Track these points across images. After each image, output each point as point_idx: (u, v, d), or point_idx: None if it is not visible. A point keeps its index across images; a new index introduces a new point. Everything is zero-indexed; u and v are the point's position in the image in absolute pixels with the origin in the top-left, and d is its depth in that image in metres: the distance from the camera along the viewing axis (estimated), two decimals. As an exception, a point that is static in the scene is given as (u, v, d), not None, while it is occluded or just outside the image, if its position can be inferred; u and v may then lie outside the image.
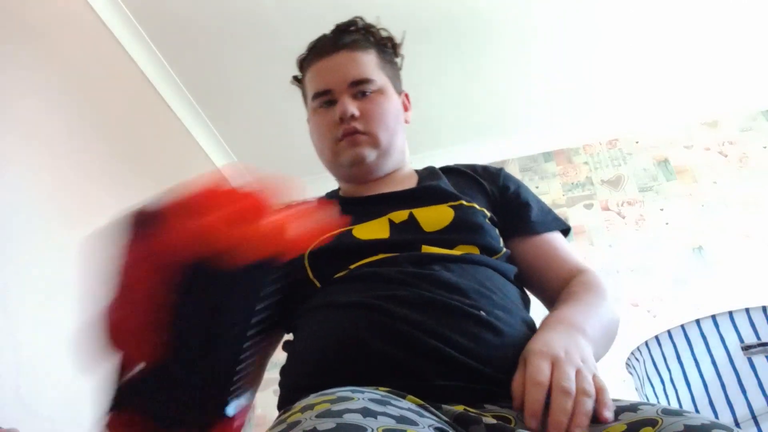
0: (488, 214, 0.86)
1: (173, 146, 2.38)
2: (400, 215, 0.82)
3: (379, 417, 0.45)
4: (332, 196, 0.99)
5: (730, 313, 1.44)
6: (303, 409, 0.47)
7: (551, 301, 0.83)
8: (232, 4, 2.05)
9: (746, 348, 1.38)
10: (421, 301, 0.66)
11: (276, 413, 0.64)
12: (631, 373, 1.76)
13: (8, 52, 1.61)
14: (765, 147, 2.48)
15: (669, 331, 1.52)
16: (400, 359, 0.62)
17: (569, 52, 2.30)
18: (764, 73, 2.44)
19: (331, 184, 0.99)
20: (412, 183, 0.93)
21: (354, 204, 0.90)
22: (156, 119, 2.29)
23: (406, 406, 0.51)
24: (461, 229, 0.79)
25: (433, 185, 0.89)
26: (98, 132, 1.92)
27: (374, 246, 0.76)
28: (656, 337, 1.56)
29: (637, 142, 2.68)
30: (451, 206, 0.83)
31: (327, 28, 0.96)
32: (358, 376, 0.60)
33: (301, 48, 0.97)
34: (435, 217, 0.81)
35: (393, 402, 0.51)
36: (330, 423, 0.42)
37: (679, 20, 2.21)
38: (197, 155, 2.54)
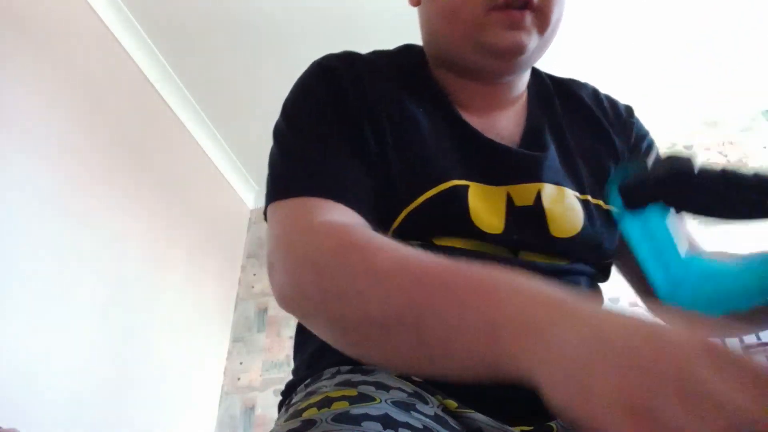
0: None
1: (174, 147, 2.38)
2: (523, 194, 0.59)
3: (400, 430, 0.41)
4: (420, 71, 0.68)
5: (730, 313, 1.44)
6: (320, 405, 0.44)
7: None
8: (233, 6, 2.05)
9: (746, 348, 1.38)
10: None
11: (276, 411, 0.59)
12: (631, 373, 1.76)
13: (10, 53, 1.61)
14: (765, 147, 2.47)
15: (669, 331, 1.52)
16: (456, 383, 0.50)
17: (569, 51, 2.30)
18: (764, 73, 2.43)
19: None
20: (522, 109, 0.69)
21: (464, 134, 0.63)
22: (157, 120, 2.29)
23: (431, 412, 0.46)
24: (584, 247, 0.59)
25: (555, 165, 0.64)
26: (99, 132, 1.92)
27: (482, 238, 0.56)
28: (656, 337, 1.56)
29: (637, 142, 2.67)
30: (581, 201, 0.61)
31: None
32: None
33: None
34: (565, 215, 0.59)
35: (418, 407, 0.46)
36: None
37: (679, 20, 2.21)
38: (198, 156, 2.54)
